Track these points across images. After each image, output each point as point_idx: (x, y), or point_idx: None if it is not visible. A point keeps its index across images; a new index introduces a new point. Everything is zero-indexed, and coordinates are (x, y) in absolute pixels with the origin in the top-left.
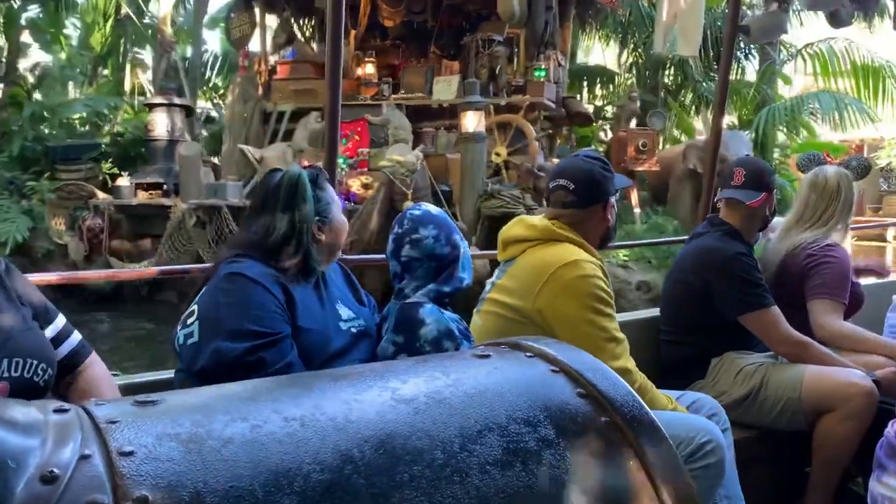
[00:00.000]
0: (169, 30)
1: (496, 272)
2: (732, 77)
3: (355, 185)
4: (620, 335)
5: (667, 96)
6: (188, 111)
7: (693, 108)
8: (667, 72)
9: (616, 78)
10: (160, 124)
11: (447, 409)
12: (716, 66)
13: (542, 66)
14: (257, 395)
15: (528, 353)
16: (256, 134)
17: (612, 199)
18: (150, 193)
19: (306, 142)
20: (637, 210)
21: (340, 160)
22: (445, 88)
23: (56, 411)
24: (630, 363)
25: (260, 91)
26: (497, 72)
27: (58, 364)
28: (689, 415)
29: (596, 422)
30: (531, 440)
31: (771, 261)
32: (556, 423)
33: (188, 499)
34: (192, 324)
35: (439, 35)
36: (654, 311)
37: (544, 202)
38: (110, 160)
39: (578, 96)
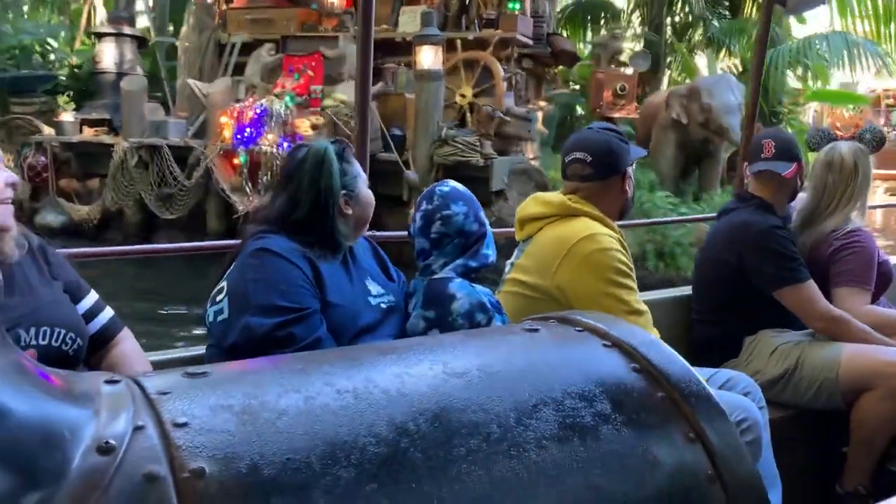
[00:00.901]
0: None
1: (515, 252)
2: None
3: (303, 125)
4: (643, 307)
5: (673, 35)
6: (141, 42)
7: (705, 47)
8: (674, 8)
9: (621, 15)
10: (108, 56)
11: (501, 384)
12: (726, 3)
13: None
14: (307, 368)
15: (579, 328)
16: (211, 66)
17: (630, 170)
18: (96, 130)
19: (258, 77)
20: None
21: (287, 98)
22: (411, 20)
23: (107, 382)
24: (654, 334)
25: (217, 21)
26: (467, 3)
27: (90, 339)
28: (723, 392)
29: (652, 397)
30: (587, 415)
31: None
32: (612, 397)
33: (245, 471)
34: (221, 300)
35: None
36: (686, 290)
37: (562, 177)
38: (67, 94)
39: (580, 34)
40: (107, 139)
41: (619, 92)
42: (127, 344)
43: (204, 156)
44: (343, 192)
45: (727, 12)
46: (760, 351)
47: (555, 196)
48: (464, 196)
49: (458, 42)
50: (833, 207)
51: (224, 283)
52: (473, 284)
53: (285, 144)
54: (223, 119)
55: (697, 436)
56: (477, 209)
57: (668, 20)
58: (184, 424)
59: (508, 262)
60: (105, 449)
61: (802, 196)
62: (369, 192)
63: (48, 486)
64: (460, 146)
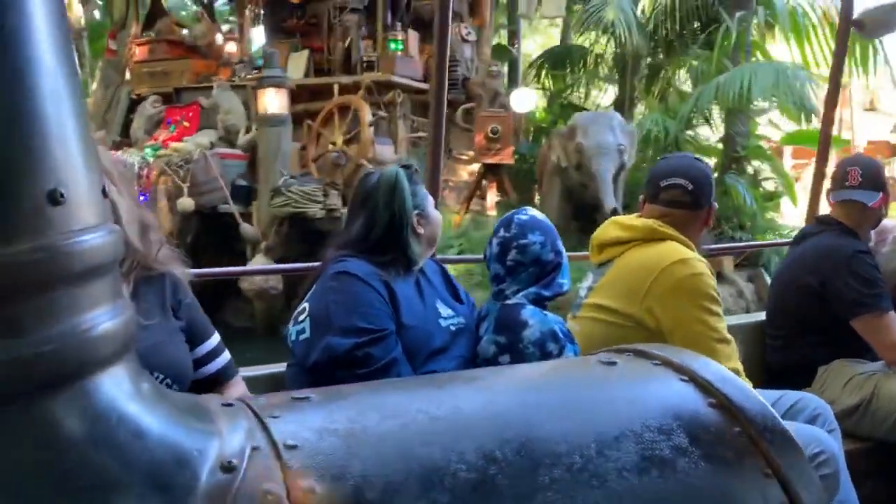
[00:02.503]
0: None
1: (591, 276)
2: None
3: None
4: (729, 336)
5: (646, 77)
6: None
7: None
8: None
9: (596, 59)
10: None
11: (581, 415)
12: (699, 35)
13: (398, 38)
14: (400, 395)
15: (656, 362)
16: (116, 121)
17: (715, 205)
18: None
19: (143, 130)
20: (492, 213)
21: (147, 150)
22: (296, 66)
23: (223, 405)
24: (740, 365)
25: (128, 75)
26: (348, 45)
27: (203, 380)
28: (799, 424)
29: (729, 432)
30: (666, 448)
31: (887, 272)
32: (689, 432)
33: (350, 492)
34: (303, 321)
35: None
36: (759, 316)
37: (648, 201)
38: None
39: (563, 78)
40: None
41: (492, 135)
42: (238, 388)
43: None
44: (416, 211)
45: (703, 50)
46: (834, 380)
47: (637, 220)
48: (541, 226)
49: (336, 87)
50: None
51: (306, 305)
52: (546, 312)
53: (141, 198)
54: None
55: (773, 471)
56: (554, 239)
57: (648, 60)
58: (294, 447)
59: (584, 286)
60: (228, 468)
61: (889, 223)
62: (437, 212)
63: (182, 500)
64: (294, 196)
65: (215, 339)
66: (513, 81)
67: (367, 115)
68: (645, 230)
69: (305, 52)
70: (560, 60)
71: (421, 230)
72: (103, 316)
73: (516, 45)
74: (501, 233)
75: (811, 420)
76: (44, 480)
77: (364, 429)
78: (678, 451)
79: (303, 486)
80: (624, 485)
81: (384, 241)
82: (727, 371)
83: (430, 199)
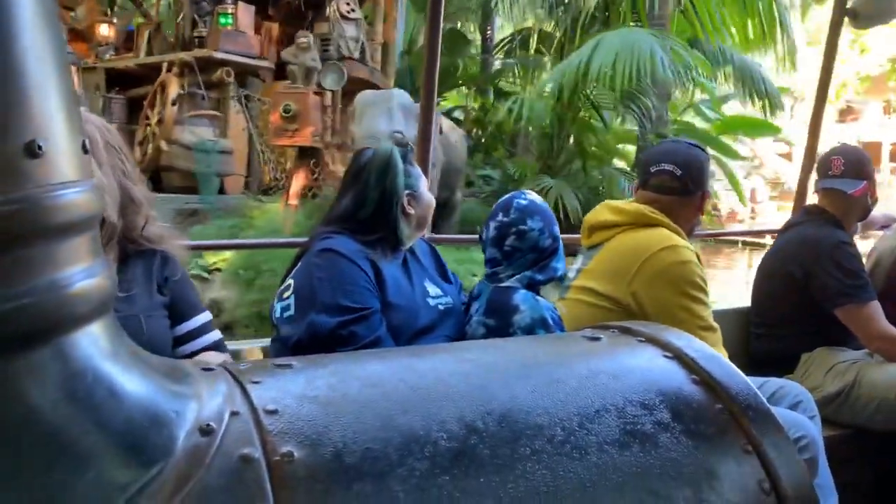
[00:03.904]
0: None
1: (580, 259)
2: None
3: None
4: (715, 324)
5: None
6: None
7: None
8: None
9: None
10: None
11: (563, 389)
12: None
13: (228, 12)
14: (383, 364)
15: (640, 338)
16: None
17: (710, 191)
18: None
19: None
20: (293, 202)
21: None
22: (140, 45)
23: (204, 370)
24: (725, 353)
25: None
26: (180, 20)
27: (186, 357)
28: (781, 409)
29: (711, 408)
30: (648, 423)
31: (885, 255)
32: (672, 407)
33: (329, 457)
34: (288, 297)
35: None
36: (744, 304)
37: (640, 185)
38: None
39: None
40: None
41: (284, 114)
42: None
43: None
44: (407, 191)
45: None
46: (817, 367)
47: (629, 205)
48: (540, 210)
49: (164, 66)
50: None
51: (291, 281)
52: (538, 298)
53: None
54: None
55: (754, 448)
56: (552, 224)
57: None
58: (274, 412)
59: (573, 267)
60: (206, 430)
61: (877, 215)
62: (430, 193)
63: (157, 461)
64: None
65: (202, 318)
66: (486, 69)
67: (170, 93)
68: (635, 215)
69: (146, 32)
70: (519, 42)
71: (411, 211)
72: (82, 273)
73: (490, 32)
74: (500, 217)
75: (793, 406)
76: (16, 438)
77: (345, 396)
78: (660, 426)
79: (282, 451)
80: (605, 458)
81: (372, 220)
82: (711, 349)
83: (424, 180)
